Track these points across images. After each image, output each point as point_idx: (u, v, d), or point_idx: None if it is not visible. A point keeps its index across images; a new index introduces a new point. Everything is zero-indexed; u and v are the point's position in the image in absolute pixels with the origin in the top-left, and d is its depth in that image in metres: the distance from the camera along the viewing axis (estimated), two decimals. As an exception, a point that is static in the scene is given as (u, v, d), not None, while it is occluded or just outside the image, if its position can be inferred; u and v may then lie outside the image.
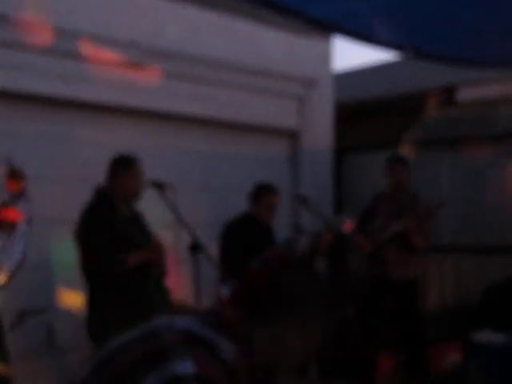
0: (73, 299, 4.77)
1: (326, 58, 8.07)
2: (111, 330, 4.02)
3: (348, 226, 5.34)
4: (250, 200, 5.24)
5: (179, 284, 4.23)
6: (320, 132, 7.93)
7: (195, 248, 3.97)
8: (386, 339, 6.15)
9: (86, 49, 5.94)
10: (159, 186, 4.12)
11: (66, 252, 4.53)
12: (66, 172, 5.15)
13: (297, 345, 1.57)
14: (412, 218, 5.68)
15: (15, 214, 4.00)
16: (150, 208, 4.49)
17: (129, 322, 3.98)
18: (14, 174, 4.12)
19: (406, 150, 7.55)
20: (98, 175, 4.38)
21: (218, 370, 1.45)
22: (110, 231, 4.12)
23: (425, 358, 5.79)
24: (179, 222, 3.97)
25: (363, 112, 8.43)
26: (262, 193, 5.18)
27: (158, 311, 4.22)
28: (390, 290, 5.79)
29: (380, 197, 6.06)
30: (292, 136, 7.87)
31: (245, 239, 5.02)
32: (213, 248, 4.77)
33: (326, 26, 5.01)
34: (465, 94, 7.51)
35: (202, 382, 1.40)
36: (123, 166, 4.31)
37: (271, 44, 7.41)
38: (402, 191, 5.94)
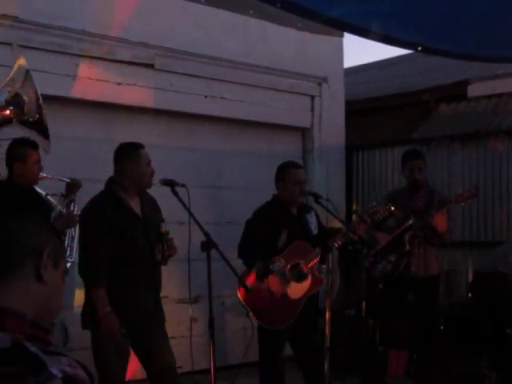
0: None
1: (337, 55, 8.07)
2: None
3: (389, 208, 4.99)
4: (276, 183, 4.87)
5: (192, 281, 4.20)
6: (332, 129, 7.92)
7: (207, 245, 3.96)
8: (401, 337, 6.09)
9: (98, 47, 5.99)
10: (169, 184, 4.10)
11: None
12: (76, 171, 5.15)
13: None
14: (433, 213, 5.43)
15: None
16: (162, 205, 4.50)
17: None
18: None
19: (417, 146, 7.53)
20: (109, 174, 4.38)
21: None
22: (111, 232, 4.08)
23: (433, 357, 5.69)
24: (191, 219, 3.96)
25: (373, 108, 8.41)
26: (286, 169, 4.81)
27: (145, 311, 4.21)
28: (412, 287, 5.65)
29: (396, 195, 5.84)
30: (304, 133, 7.88)
31: (266, 227, 4.72)
32: (223, 245, 4.76)
33: (342, 26, 5.04)
34: (476, 89, 7.47)
35: None
36: (128, 154, 4.23)
37: (283, 42, 7.42)
38: (421, 187, 5.69)
